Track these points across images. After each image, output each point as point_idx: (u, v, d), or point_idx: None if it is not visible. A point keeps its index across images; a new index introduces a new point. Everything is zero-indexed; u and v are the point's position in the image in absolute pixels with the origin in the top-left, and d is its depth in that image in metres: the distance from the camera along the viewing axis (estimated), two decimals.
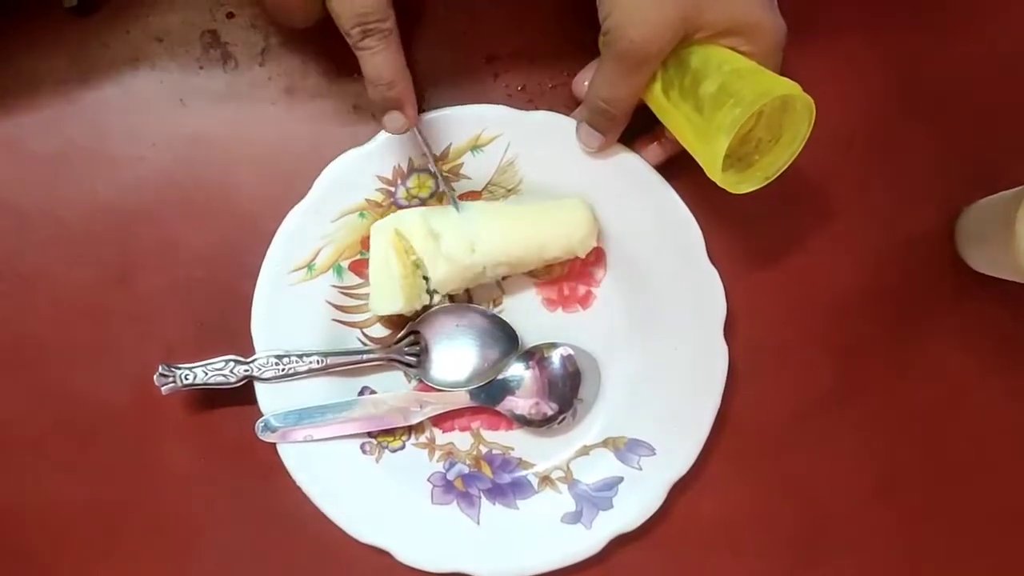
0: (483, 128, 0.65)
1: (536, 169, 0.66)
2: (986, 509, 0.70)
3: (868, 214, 0.69)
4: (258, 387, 0.65)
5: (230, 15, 0.68)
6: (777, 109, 0.57)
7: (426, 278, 0.66)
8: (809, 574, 0.69)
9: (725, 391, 0.66)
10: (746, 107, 0.53)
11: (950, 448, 0.70)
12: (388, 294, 0.64)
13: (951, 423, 0.70)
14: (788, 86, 0.54)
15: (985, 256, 0.67)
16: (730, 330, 0.66)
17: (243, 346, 0.65)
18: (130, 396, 0.67)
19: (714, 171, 0.57)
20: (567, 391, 0.67)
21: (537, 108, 0.66)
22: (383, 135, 0.64)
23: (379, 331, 0.68)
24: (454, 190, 0.65)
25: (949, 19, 0.70)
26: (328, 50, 0.68)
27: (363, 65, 0.58)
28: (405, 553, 0.65)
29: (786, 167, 0.58)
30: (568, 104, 0.67)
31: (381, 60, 0.57)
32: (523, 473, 0.68)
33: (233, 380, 0.64)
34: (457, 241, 0.63)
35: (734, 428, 0.68)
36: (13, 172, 0.68)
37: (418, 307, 0.66)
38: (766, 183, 0.58)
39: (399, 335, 0.67)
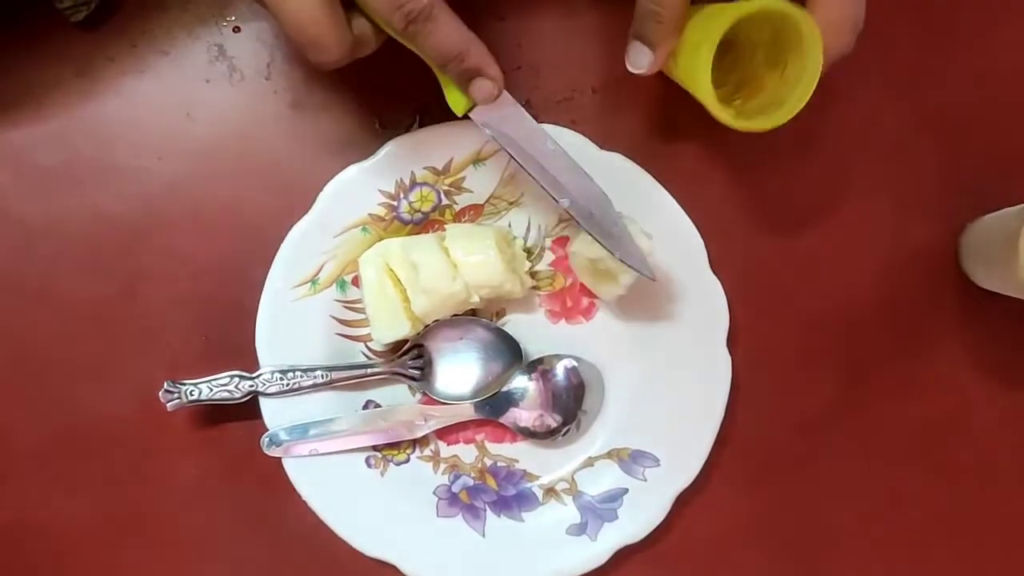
0: (484, 142, 0.65)
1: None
2: (992, 525, 0.70)
3: (872, 228, 0.69)
4: (263, 402, 0.65)
5: (236, 29, 0.68)
6: (790, 45, 0.56)
7: None
8: None
9: (728, 404, 0.66)
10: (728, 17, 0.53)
11: (954, 464, 0.69)
12: (390, 320, 0.64)
13: (955, 438, 0.69)
14: (785, 5, 0.53)
15: (989, 272, 0.66)
16: (733, 344, 0.66)
17: (247, 359, 0.65)
18: (135, 410, 0.67)
19: (706, 92, 0.55)
20: (571, 403, 0.67)
21: (541, 123, 0.65)
22: (385, 149, 0.64)
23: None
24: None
25: (955, 35, 0.70)
26: None
27: (421, 52, 0.55)
28: (411, 566, 0.65)
29: (797, 107, 0.56)
30: (574, 120, 0.67)
31: (438, 39, 0.54)
32: (528, 485, 0.68)
33: (238, 396, 0.65)
34: (437, 272, 0.63)
35: (738, 442, 0.68)
36: (18, 185, 0.68)
37: (420, 328, 0.66)
38: (773, 124, 0.57)
39: (403, 349, 0.67)
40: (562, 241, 0.68)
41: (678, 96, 0.65)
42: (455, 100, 0.58)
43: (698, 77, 0.56)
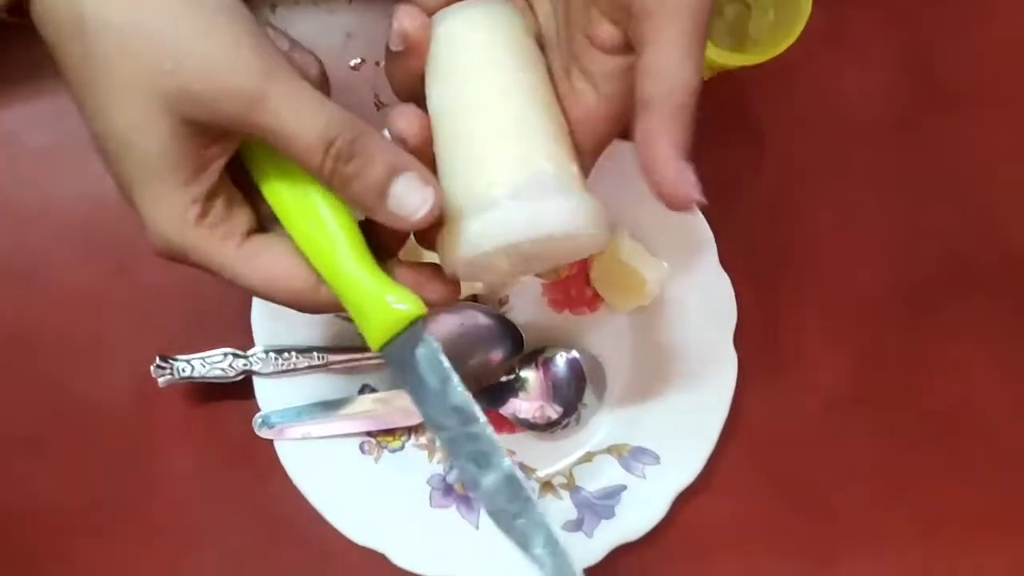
0: None
1: None
2: (1003, 510, 0.69)
3: (883, 210, 0.69)
4: (257, 382, 0.64)
5: None
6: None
7: None
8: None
9: (737, 391, 0.64)
10: None
11: (966, 448, 0.69)
12: None
13: (967, 424, 0.69)
14: None
15: None
16: (741, 330, 0.65)
17: (244, 343, 0.64)
18: (128, 393, 0.66)
19: None
20: (572, 395, 0.66)
21: None
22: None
23: None
24: None
25: (965, 9, 0.70)
26: None
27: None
28: (401, 557, 0.63)
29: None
30: None
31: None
32: (525, 478, 0.66)
33: (231, 374, 0.63)
34: None
35: (745, 430, 0.67)
36: (10, 165, 0.67)
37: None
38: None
39: None
40: None
41: None
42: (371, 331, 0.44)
43: None
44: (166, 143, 0.39)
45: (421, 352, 0.44)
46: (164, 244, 0.42)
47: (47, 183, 0.67)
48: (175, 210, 0.41)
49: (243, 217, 0.43)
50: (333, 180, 0.40)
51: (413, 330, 0.44)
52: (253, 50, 0.39)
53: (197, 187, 0.41)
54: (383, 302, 0.42)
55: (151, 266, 0.65)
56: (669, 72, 0.40)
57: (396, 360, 0.44)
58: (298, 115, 0.39)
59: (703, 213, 0.64)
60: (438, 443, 0.44)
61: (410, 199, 0.40)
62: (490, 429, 0.45)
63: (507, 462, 0.46)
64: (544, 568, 0.45)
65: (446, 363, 0.45)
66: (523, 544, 0.45)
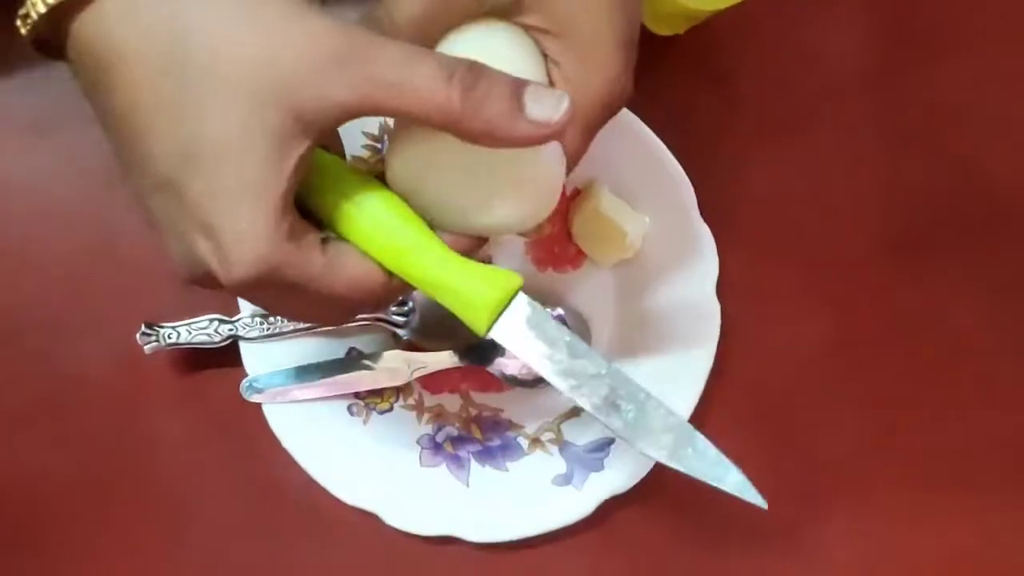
0: None
1: None
2: (988, 456, 0.69)
3: (862, 159, 0.69)
4: (243, 347, 0.64)
5: None
6: None
7: None
8: (810, 527, 0.68)
9: (722, 344, 0.65)
10: None
11: (951, 397, 0.69)
12: None
13: (951, 372, 0.69)
14: None
15: None
16: (726, 282, 0.65)
17: (230, 309, 0.64)
18: (115, 364, 0.66)
19: None
20: None
21: None
22: None
23: None
24: None
25: None
26: None
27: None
28: (393, 516, 0.64)
29: None
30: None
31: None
32: (513, 435, 0.67)
33: (218, 339, 0.63)
34: None
35: (732, 382, 0.67)
36: None
37: None
38: None
39: None
40: None
41: (659, 38, 0.65)
42: (478, 317, 0.45)
43: None
44: (270, 143, 0.38)
45: (532, 321, 0.46)
46: (253, 264, 0.39)
47: (32, 155, 0.67)
48: (271, 222, 0.39)
49: (314, 229, 0.43)
50: (464, 108, 0.38)
51: (515, 303, 0.45)
52: (343, 23, 0.39)
53: (289, 199, 0.40)
54: (483, 287, 0.44)
55: (135, 237, 0.66)
56: (581, 86, 0.44)
57: (509, 337, 0.46)
58: (410, 59, 0.38)
59: (682, 166, 0.64)
60: (573, 397, 0.46)
61: (545, 102, 0.40)
62: (618, 369, 0.47)
63: (643, 391, 0.47)
64: (693, 471, 0.50)
65: (558, 324, 0.46)
66: (693, 469, 0.50)
